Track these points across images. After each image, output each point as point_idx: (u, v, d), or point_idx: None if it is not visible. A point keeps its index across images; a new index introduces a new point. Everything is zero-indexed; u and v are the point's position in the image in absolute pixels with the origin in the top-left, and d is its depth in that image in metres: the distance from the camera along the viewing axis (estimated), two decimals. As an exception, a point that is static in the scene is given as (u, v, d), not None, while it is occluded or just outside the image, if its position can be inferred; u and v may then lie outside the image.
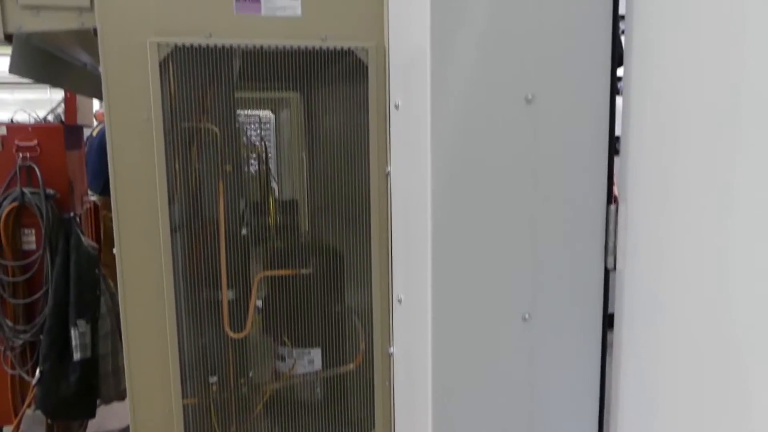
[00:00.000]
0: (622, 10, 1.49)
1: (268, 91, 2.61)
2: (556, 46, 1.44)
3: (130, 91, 1.58)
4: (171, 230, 1.67)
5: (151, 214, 1.64)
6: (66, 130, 3.35)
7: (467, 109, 1.43)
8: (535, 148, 1.46)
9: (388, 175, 1.73)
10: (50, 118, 3.54)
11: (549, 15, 1.43)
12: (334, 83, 1.87)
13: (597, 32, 1.48)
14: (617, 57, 1.52)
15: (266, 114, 2.89)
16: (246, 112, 2.18)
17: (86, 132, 4.11)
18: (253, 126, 2.44)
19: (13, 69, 1.71)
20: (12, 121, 3.35)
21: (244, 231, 1.95)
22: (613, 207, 1.52)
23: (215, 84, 1.67)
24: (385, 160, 1.74)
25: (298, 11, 1.63)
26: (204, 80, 1.64)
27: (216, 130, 1.68)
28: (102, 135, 3.95)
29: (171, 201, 1.68)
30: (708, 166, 1.15)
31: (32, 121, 3.46)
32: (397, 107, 1.62)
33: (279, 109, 3.01)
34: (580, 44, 1.47)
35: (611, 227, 1.52)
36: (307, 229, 2.16)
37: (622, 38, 1.51)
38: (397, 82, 1.63)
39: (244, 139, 2.19)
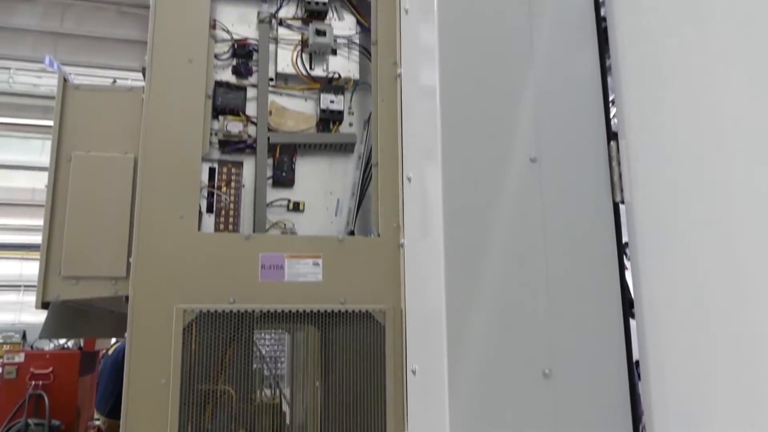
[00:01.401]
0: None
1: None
2: (571, 321, 1.48)
3: (152, 355, 1.61)
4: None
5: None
6: (82, 356, 3.37)
7: (485, 380, 1.43)
8: (555, 421, 1.43)
9: (405, 438, 1.67)
10: (70, 344, 3.59)
11: (561, 289, 1.50)
12: (352, 329, 1.90)
13: (609, 302, 1.53)
14: (628, 302, 1.55)
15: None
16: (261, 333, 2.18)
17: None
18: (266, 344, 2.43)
19: (45, 334, 1.78)
20: (32, 347, 3.39)
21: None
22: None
23: (235, 344, 1.71)
24: (402, 422, 1.69)
25: (320, 277, 1.72)
26: (225, 341, 1.68)
27: (232, 392, 1.68)
28: (117, 354, 3.95)
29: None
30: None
31: (51, 347, 3.50)
32: (414, 373, 1.63)
33: (294, 330, 3.02)
34: (594, 321, 1.50)
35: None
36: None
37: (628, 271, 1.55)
38: (414, 347, 1.66)
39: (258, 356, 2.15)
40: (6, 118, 8.84)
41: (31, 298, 1.71)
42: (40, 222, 1.75)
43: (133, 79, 9.11)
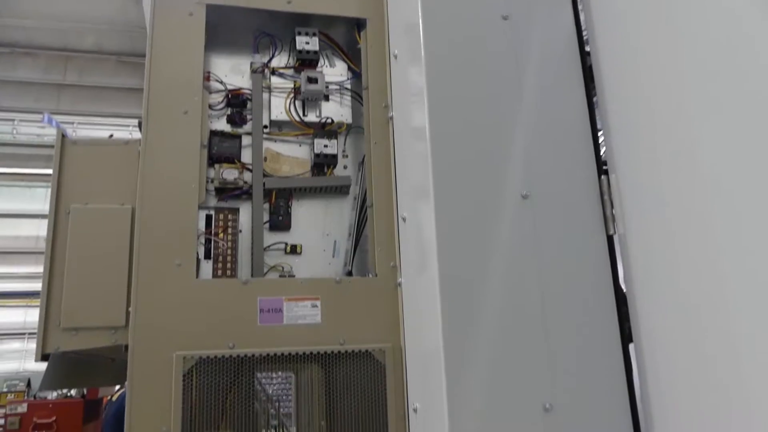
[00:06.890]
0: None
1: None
2: (570, 359, 1.49)
3: (153, 403, 1.61)
4: None
5: None
6: (86, 403, 3.35)
7: (484, 417, 1.42)
8: (558, 457, 1.42)
9: (409, 481, 1.66)
10: (73, 392, 3.57)
11: (558, 323, 1.50)
12: (353, 369, 1.89)
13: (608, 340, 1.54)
14: (627, 335, 1.56)
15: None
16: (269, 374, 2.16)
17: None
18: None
19: (46, 386, 1.79)
20: (35, 397, 3.38)
21: None
22: None
23: (236, 388, 1.71)
24: (405, 461, 1.68)
25: (318, 319, 1.73)
26: (225, 386, 1.68)
27: (234, 439, 1.67)
28: (119, 403, 3.91)
29: None
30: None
31: (55, 395, 3.49)
32: (415, 411, 1.62)
33: (299, 370, 3.01)
34: (595, 359, 1.52)
35: None
36: None
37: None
38: (415, 384, 1.65)
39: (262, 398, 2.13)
40: (11, 168, 8.95)
41: (35, 346, 1.71)
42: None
43: (133, 126, 9.26)
